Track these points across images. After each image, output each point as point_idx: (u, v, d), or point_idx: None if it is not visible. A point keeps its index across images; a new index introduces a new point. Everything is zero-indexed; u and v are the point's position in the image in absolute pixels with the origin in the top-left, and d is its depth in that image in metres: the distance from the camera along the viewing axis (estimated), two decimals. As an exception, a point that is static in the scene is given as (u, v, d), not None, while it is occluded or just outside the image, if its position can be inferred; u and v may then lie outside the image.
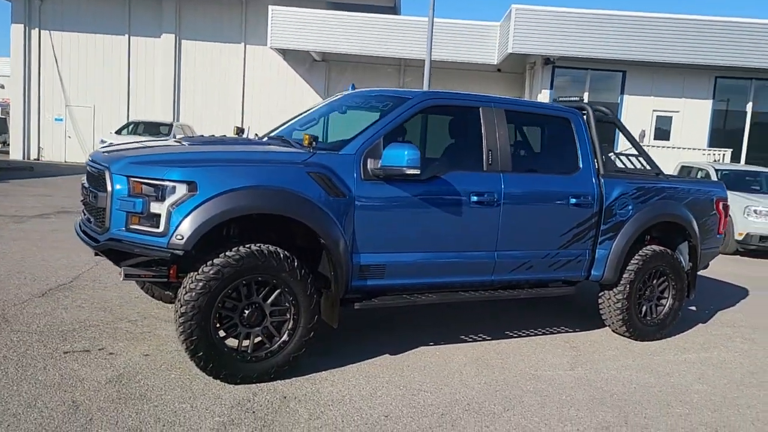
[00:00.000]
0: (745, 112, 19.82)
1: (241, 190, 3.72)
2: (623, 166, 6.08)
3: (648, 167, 5.94)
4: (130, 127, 19.87)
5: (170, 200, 3.62)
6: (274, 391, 3.77)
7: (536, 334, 5.42)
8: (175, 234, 3.58)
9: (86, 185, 4.25)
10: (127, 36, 23.69)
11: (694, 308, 6.73)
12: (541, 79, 19.52)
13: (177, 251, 3.58)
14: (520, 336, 5.34)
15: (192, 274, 3.67)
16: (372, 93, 5.08)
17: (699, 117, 19.54)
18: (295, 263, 3.87)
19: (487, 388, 4.12)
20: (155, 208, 3.65)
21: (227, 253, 3.70)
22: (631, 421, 3.81)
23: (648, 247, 5.51)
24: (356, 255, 4.17)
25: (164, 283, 4.03)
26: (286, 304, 3.92)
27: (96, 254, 4.00)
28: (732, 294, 7.83)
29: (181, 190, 3.62)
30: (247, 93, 23.71)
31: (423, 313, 5.59)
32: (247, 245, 3.77)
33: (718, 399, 4.31)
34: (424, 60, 21.39)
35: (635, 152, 6.00)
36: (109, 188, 3.74)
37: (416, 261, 4.42)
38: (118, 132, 19.45)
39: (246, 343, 3.87)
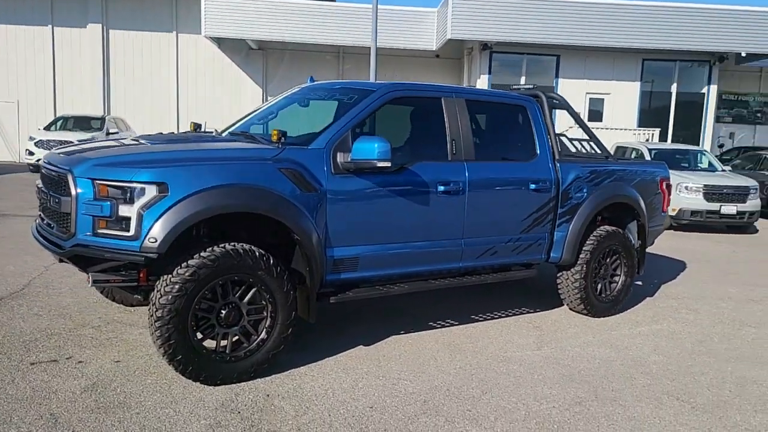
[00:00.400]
0: (670, 93, 20.74)
1: (213, 189, 3.66)
2: (574, 150, 6.30)
3: (598, 150, 6.17)
4: (59, 123, 18.97)
5: (140, 202, 3.53)
6: (256, 390, 3.76)
7: (500, 317, 5.59)
8: (147, 237, 3.49)
9: (43, 189, 4.08)
10: (50, 26, 22.50)
11: (640, 283, 7.06)
12: (479, 65, 19.82)
13: (150, 255, 3.50)
14: (486, 319, 5.48)
15: (166, 276, 3.60)
16: (335, 85, 5.07)
17: (628, 98, 20.31)
18: (271, 261, 3.85)
19: (462, 373, 4.23)
20: (124, 211, 3.54)
21: (202, 254, 3.64)
22: (600, 395, 4.01)
23: (601, 227, 5.75)
24: (329, 249, 4.19)
25: (133, 288, 3.93)
26: (263, 302, 3.90)
27: (60, 260, 3.86)
28: (672, 267, 8.26)
29: (151, 191, 3.54)
30: (181, 84, 22.99)
31: (391, 303, 5.66)
32: (221, 245, 3.73)
33: (674, 368, 4.57)
34: (362, 47, 21.39)
35: (585, 137, 6.22)
36: (73, 192, 3.60)
37: (388, 252, 4.47)
38: (47, 128, 18.55)
39: (224, 343, 3.83)
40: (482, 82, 19.76)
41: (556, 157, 5.41)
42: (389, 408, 3.63)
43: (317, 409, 3.56)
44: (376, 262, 4.44)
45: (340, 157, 4.16)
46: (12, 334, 4.42)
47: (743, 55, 19.37)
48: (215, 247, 3.69)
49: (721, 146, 23.10)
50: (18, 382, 3.65)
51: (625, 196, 5.81)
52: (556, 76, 20.19)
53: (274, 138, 4.06)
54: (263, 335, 3.91)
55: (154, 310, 3.57)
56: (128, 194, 3.54)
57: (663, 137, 20.12)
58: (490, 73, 19.79)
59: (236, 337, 3.86)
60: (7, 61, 22.54)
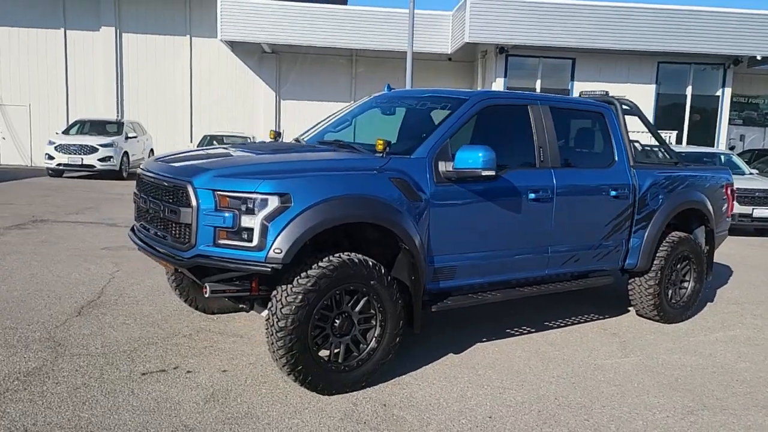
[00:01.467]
0: (685, 95, 20.85)
1: (333, 199, 3.67)
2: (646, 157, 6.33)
3: (667, 156, 6.20)
4: (77, 127, 18.94)
5: (263, 213, 3.53)
6: (371, 400, 3.76)
7: (573, 323, 5.60)
8: (272, 248, 3.50)
9: (148, 198, 4.07)
10: (62, 30, 22.45)
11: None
12: (495, 68, 19.88)
13: (275, 265, 3.50)
14: (560, 326, 5.49)
15: (285, 286, 3.60)
16: (423, 93, 5.07)
17: (644, 101, 20.36)
18: (382, 270, 3.86)
19: (562, 381, 4.24)
20: (247, 221, 3.55)
21: (320, 264, 3.65)
22: (707, 403, 4.02)
23: (673, 234, 5.77)
24: (430, 257, 4.20)
25: (242, 298, 3.94)
26: (372, 311, 3.90)
27: (176, 270, 3.86)
28: (720, 272, 8.28)
29: (274, 202, 3.54)
30: (194, 87, 22.99)
31: (466, 311, 5.66)
32: (337, 255, 3.73)
33: (765, 376, 4.59)
34: (375, 50, 21.47)
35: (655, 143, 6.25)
36: (193, 203, 3.60)
37: (482, 260, 4.49)
38: (66, 132, 18.51)
39: (337, 352, 3.84)
40: (498, 86, 19.82)
41: (632, 163, 5.44)
42: (507, 418, 3.64)
43: (439, 419, 3.56)
44: (472, 270, 4.46)
45: (441, 166, 4.18)
46: (110, 343, 4.40)
47: (759, 58, 19.48)
48: (332, 257, 3.70)
49: (732, 148, 23.20)
50: (137, 393, 3.64)
51: (697, 201, 5.84)
52: (572, 80, 20.27)
53: (380, 147, 4.06)
54: (373, 344, 3.91)
55: (276, 320, 3.57)
56: (251, 205, 3.54)
57: (678, 140, 20.22)
58: (506, 76, 19.86)
59: (346, 347, 3.87)
60: (19, 64, 22.48)
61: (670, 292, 5.82)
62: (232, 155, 4.31)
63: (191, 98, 23.04)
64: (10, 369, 3.85)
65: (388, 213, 3.86)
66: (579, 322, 5.66)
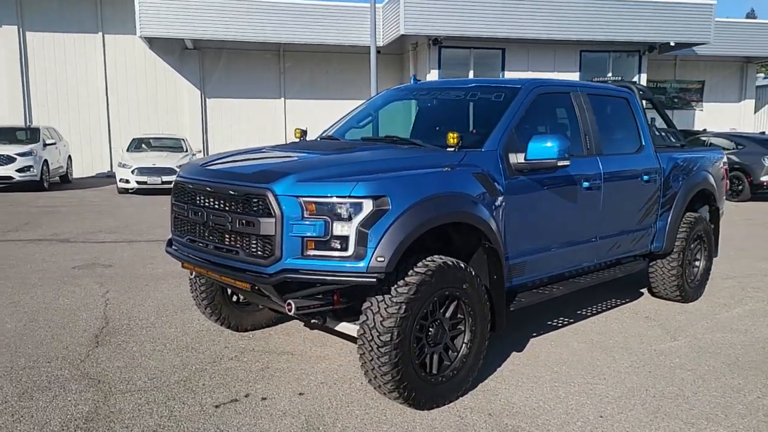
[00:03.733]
0: (606, 82, 21.75)
1: (429, 199, 3.41)
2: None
3: (674, 140, 6.33)
4: (-15, 135, 17.17)
5: (358, 219, 3.21)
6: (472, 410, 3.54)
7: (603, 310, 5.58)
8: (375, 256, 3.18)
9: (203, 209, 3.63)
10: (-44, 29, 20.35)
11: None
12: (429, 60, 19.89)
13: (379, 275, 3.19)
14: (592, 314, 5.46)
15: (383, 297, 3.30)
16: (468, 83, 4.84)
17: (570, 88, 21.10)
18: (473, 272, 3.63)
19: (639, 371, 4.18)
20: (340, 229, 3.21)
21: (417, 270, 3.37)
22: (782, 379, 4.09)
23: (689, 214, 5.89)
24: (505, 255, 4.01)
25: (322, 313, 3.60)
26: (462, 316, 3.67)
27: (254, 288, 3.45)
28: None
29: (368, 206, 3.22)
30: (110, 88, 21.48)
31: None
32: (430, 259, 3.46)
33: (806, 346, 4.75)
34: (303, 44, 20.95)
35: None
36: (276, 212, 3.22)
37: (548, 254, 4.36)
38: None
39: (434, 363, 3.57)
40: (432, 77, 19.85)
41: (655, 147, 5.49)
42: (617, 416, 3.52)
43: (552, 425, 3.39)
44: (539, 265, 4.32)
45: (512, 158, 4.00)
46: (155, 375, 3.91)
47: (672, 44, 20.62)
48: (427, 262, 3.43)
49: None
50: (223, 429, 3.22)
51: (708, 182, 5.99)
52: (502, 69, 20.62)
53: (454, 141, 3.82)
54: (464, 350, 3.68)
55: (376, 335, 3.26)
56: (345, 211, 3.21)
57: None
58: (440, 67, 19.92)
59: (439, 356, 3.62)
60: None
61: (687, 272, 5.94)
62: (296, 157, 3.92)
63: (107, 100, 21.54)
64: (64, 416, 3.31)
65: (476, 210, 3.63)
66: (608, 308, 5.66)
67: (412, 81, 5.33)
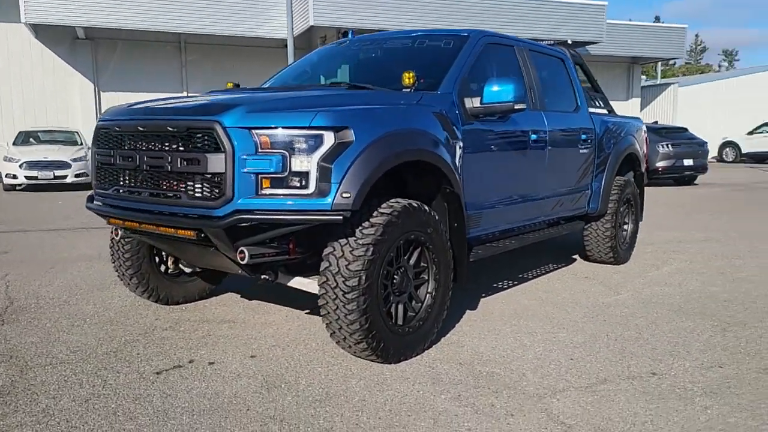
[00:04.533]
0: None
1: (394, 134, 3.17)
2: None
3: (602, 104, 6.44)
4: None
5: (319, 153, 2.91)
6: (442, 361, 3.32)
7: (543, 273, 5.56)
8: (339, 192, 2.89)
9: (135, 151, 3.19)
10: None
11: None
12: (338, 53, 19.65)
13: (345, 213, 2.91)
14: (534, 277, 5.42)
15: (348, 240, 3.02)
16: (414, 32, 4.58)
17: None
18: (436, 216, 3.43)
19: (595, 320, 4.14)
20: (299, 164, 2.91)
21: (382, 211, 3.11)
22: (728, 320, 4.16)
23: (618, 178, 6.00)
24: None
25: (264, 266, 3.27)
26: (424, 264, 3.45)
27: (200, 234, 3.05)
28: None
29: (330, 138, 2.93)
30: (-8, 80, 19.66)
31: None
32: (394, 200, 3.22)
33: (736, 294, 4.91)
34: (207, 35, 20.11)
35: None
36: (227, 146, 2.87)
37: (501, 207, 4.24)
38: None
39: (399, 314, 3.33)
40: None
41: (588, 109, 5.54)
42: (587, 357, 3.43)
43: (526, 368, 3.24)
44: (492, 217, 4.18)
45: (467, 103, 3.84)
46: (78, 348, 3.41)
47: (569, 42, 21.56)
48: (392, 203, 3.18)
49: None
50: (174, 393, 2.82)
51: (635, 147, 6.14)
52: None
53: (410, 81, 3.60)
54: (428, 300, 3.46)
55: (342, 280, 2.98)
56: (305, 144, 2.90)
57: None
58: (349, 61, 19.73)
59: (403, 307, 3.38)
60: None
61: (618, 234, 6.05)
62: (244, 94, 3.53)
63: (-10, 92, 19.67)
64: (-29, 392, 2.78)
65: (439, 151, 3.43)
66: (548, 272, 5.65)
67: (350, 36, 5.07)
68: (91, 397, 2.75)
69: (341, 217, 2.89)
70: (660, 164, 15.01)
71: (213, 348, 3.45)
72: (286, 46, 21.80)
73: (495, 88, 3.78)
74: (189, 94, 4.32)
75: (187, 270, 4.30)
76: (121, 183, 3.33)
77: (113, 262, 4.10)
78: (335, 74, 4.84)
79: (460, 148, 3.69)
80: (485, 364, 3.28)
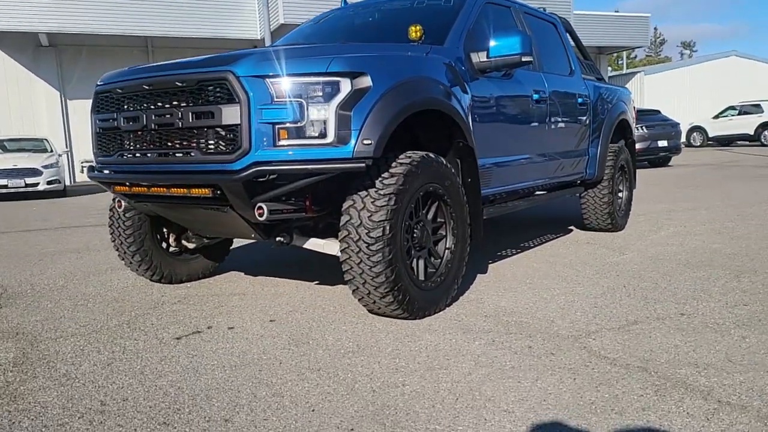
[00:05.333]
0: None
1: (411, 81, 3.10)
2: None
3: (592, 72, 6.44)
4: None
5: (337, 99, 2.82)
6: (467, 315, 3.25)
7: (546, 241, 5.54)
8: (360, 140, 2.81)
9: (142, 111, 3.06)
10: None
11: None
12: (309, 51, 19.51)
13: (367, 160, 2.82)
14: (537, 245, 5.38)
15: (368, 192, 2.93)
16: None
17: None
18: (452, 170, 3.36)
19: (609, 275, 4.12)
20: (316, 113, 2.81)
21: (400, 161, 3.03)
22: (739, 270, 4.18)
23: (612, 145, 6.02)
24: (473, 161, 3.78)
25: (290, 220, 3.16)
26: (441, 219, 3.38)
27: (215, 192, 2.92)
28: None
29: (347, 85, 2.85)
30: (-49, 92, 19.06)
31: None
32: (411, 151, 3.14)
33: (737, 249, 4.95)
34: (174, 37, 19.81)
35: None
36: (241, 96, 2.76)
37: (508, 165, 4.20)
38: None
39: (420, 269, 3.25)
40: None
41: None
42: (610, 305, 3.39)
43: (553, 315, 3.18)
44: (500, 176, 4.13)
45: (474, 58, 3.78)
46: (88, 322, 3.26)
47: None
48: (410, 154, 3.10)
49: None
50: (197, 354, 2.69)
51: (627, 114, 6.17)
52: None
53: (417, 35, 3.53)
54: (447, 256, 3.39)
55: (365, 232, 2.89)
56: (321, 91, 2.81)
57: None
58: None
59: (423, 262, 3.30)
60: None
61: (614, 201, 6.06)
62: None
63: (-52, 103, 19.06)
64: (-16, 363, 2.61)
65: (453, 102, 3.37)
66: (549, 240, 5.63)
67: (342, 4, 4.98)
68: (113, 360, 2.62)
69: (363, 165, 2.80)
70: (639, 146, 15.19)
71: (229, 316, 3.33)
72: (256, 46, 21.68)
73: (501, 41, 3.73)
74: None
75: (190, 246, 4.15)
76: (126, 147, 3.19)
77: (113, 240, 3.94)
78: (335, 39, 4.74)
79: (469, 102, 3.63)
80: (511, 315, 3.22)
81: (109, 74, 3.41)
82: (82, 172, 20.35)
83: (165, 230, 4.07)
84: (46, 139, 16.07)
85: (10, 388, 2.35)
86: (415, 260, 3.21)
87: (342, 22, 4.67)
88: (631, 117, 6.38)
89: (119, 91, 3.18)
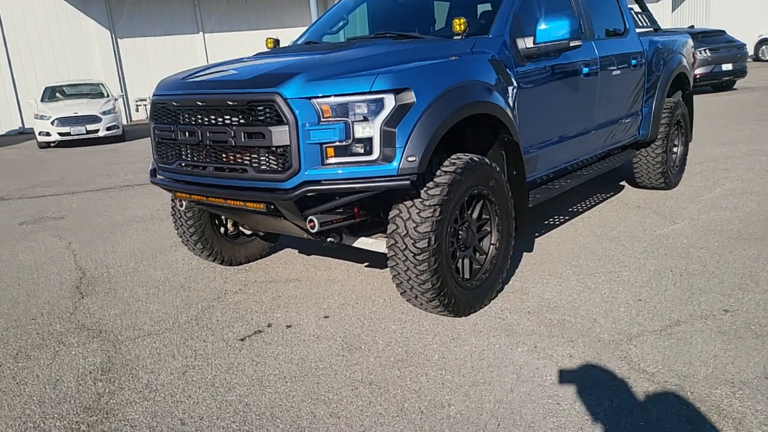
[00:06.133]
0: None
1: (453, 90, 3.10)
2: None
3: (649, 23, 6.18)
4: None
5: (381, 117, 2.88)
6: (511, 310, 3.39)
7: (594, 205, 5.53)
8: (405, 156, 2.88)
9: (195, 126, 3.19)
10: None
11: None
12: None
13: (412, 177, 2.90)
14: (585, 209, 5.39)
15: (413, 202, 3.03)
16: None
17: None
18: (497, 168, 3.40)
19: (654, 255, 4.14)
20: (362, 131, 2.89)
21: (445, 169, 3.10)
22: (791, 245, 4.14)
23: (667, 100, 5.83)
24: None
25: (339, 228, 3.31)
26: (486, 216, 3.46)
27: (270, 208, 3.09)
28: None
29: (391, 101, 2.89)
30: (7, 32, 19.50)
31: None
32: (456, 156, 3.20)
33: (796, 215, 4.85)
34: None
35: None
36: (290, 118, 2.85)
37: (556, 146, 4.19)
38: None
39: (466, 268, 3.37)
40: None
41: (637, 31, 5.33)
42: (654, 297, 3.46)
43: (597, 312, 3.28)
44: (548, 158, 4.14)
45: (520, 44, 3.72)
46: (159, 318, 3.55)
47: None
48: (454, 160, 3.16)
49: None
50: (262, 360, 2.94)
51: (684, 66, 5.92)
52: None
53: (461, 28, 3.50)
54: (492, 252, 3.49)
55: (411, 242, 3.00)
56: (366, 109, 2.87)
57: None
58: None
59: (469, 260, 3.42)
60: None
61: (668, 159, 5.94)
62: (292, 58, 3.47)
63: (6, 50, 19.60)
64: (75, 371, 2.94)
65: (497, 101, 3.37)
66: (598, 202, 5.61)
67: (385, -24, 4.89)
68: (187, 369, 2.90)
69: (408, 182, 2.89)
70: (698, 71, 14.46)
71: (286, 310, 3.57)
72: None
73: (548, 25, 3.64)
74: (236, 59, 4.20)
75: (247, 232, 4.38)
76: (185, 157, 3.35)
77: (177, 229, 4.19)
78: (375, 21, 4.71)
79: (514, 92, 3.61)
80: (554, 311, 3.34)
81: (164, 83, 3.53)
82: (137, 110, 20.91)
83: (223, 217, 4.29)
84: (102, 84, 16.48)
85: (101, 401, 2.65)
86: (460, 260, 3.33)
87: (384, 4, 4.60)
88: (689, 68, 6.12)
89: (174, 104, 3.31)
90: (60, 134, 13.94)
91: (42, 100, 15.19)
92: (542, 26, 3.66)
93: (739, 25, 26.70)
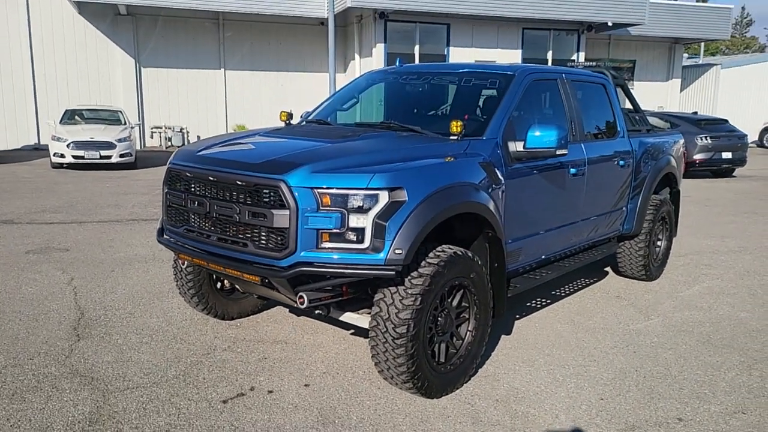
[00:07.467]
0: (546, 60, 22.22)
1: (442, 190, 3.39)
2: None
3: (642, 124, 6.52)
4: None
5: (375, 210, 3.16)
6: (480, 397, 3.60)
7: (576, 290, 5.77)
8: (392, 249, 3.15)
9: (205, 198, 3.48)
10: None
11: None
12: (374, 33, 19.69)
13: (397, 267, 3.16)
14: (567, 294, 5.63)
15: (398, 288, 3.29)
16: (461, 68, 4.78)
17: (512, 65, 21.39)
18: (479, 261, 3.66)
19: (623, 351, 4.36)
20: (356, 221, 3.16)
21: (429, 261, 3.36)
22: (755, 357, 4.35)
23: (654, 197, 6.13)
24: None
25: (328, 305, 3.56)
26: (467, 304, 3.70)
27: (264, 281, 3.34)
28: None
29: (384, 198, 3.18)
30: (36, 54, 20.13)
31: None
32: (440, 249, 3.47)
33: (765, 322, 5.07)
34: (244, 13, 20.28)
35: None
36: (291, 204, 3.13)
37: (540, 239, 4.46)
38: None
39: (442, 352, 3.60)
40: (378, 52, 19.70)
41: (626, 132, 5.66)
42: (615, 398, 3.66)
43: (560, 408, 3.49)
44: (532, 250, 4.40)
45: (511, 147, 4.03)
46: (150, 371, 3.76)
47: (610, 24, 21.21)
48: (438, 252, 3.43)
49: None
50: (240, 426, 3.14)
51: (672, 166, 6.25)
52: (447, 45, 20.71)
53: (458, 130, 3.81)
54: (469, 338, 3.73)
55: (391, 327, 3.25)
56: (361, 203, 3.15)
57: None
58: (386, 41, 19.77)
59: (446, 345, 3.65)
60: None
61: (651, 252, 6.20)
62: (301, 145, 3.78)
63: (33, 67, 20.20)
64: (65, 418, 3.15)
65: (484, 201, 3.65)
66: (581, 288, 5.85)
67: (397, 64, 5.26)
68: (170, 428, 3.10)
69: (393, 272, 3.15)
70: (698, 156, 14.88)
71: (270, 374, 3.78)
72: (322, 23, 22.00)
73: (538, 133, 3.96)
74: (251, 132, 4.52)
75: (241, 289, 4.63)
76: (191, 224, 3.63)
77: (176, 282, 4.44)
78: (383, 103, 5.05)
79: (502, 191, 3.90)
80: (521, 402, 3.55)
81: (181, 153, 3.84)
82: (151, 137, 21.38)
83: (221, 274, 4.54)
84: (121, 111, 16.95)
85: (86, 452, 2.86)
86: (437, 345, 3.56)
87: (393, 87, 4.95)
88: (677, 166, 6.44)
89: (188, 174, 3.61)
90: (74, 157, 14.31)
91: (61, 122, 15.62)
92: (532, 133, 3.97)
93: (746, 108, 27.41)
